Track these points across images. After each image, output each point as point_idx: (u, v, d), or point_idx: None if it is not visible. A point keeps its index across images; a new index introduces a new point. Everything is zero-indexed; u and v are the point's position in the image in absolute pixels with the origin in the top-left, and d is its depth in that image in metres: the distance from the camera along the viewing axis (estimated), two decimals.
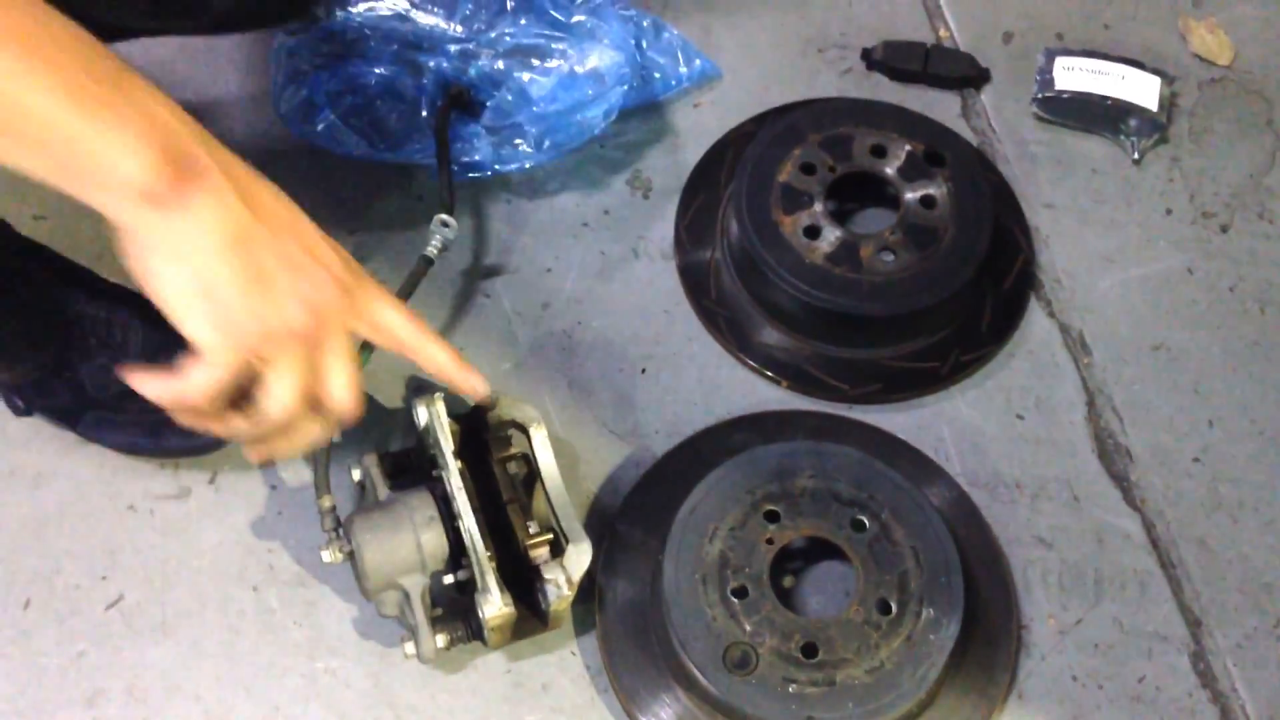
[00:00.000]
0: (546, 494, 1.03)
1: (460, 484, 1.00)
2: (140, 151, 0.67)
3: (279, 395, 0.78)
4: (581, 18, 1.33)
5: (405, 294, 1.14)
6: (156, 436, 1.11)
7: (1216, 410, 1.21)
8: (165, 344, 1.11)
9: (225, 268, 0.72)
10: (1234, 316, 1.26)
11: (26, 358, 1.09)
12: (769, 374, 1.21)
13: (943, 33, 1.43)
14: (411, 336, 0.87)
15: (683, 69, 1.37)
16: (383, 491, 1.05)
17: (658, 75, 1.36)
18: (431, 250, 1.17)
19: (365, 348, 1.09)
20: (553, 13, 1.34)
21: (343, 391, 0.81)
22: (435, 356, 0.89)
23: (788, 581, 1.10)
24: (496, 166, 1.26)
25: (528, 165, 1.27)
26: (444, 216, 1.17)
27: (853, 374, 1.20)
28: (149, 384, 0.79)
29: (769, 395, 1.20)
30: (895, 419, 1.19)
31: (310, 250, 0.78)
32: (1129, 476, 1.18)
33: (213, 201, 0.71)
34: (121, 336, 1.10)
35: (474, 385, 0.93)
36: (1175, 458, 1.19)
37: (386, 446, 1.12)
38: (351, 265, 0.82)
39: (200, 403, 0.78)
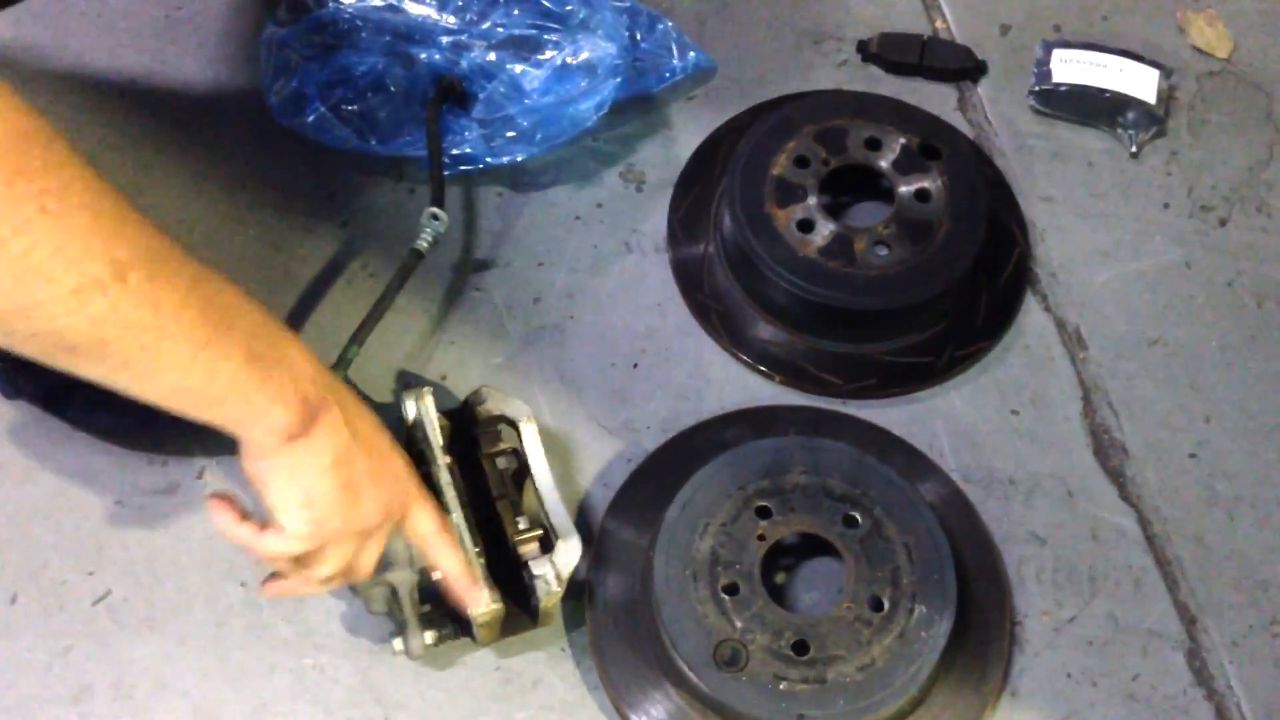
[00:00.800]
0: (536, 490, 1.03)
1: (449, 479, 1.00)
2: (289, 401, 0.80)
3: (328, 568, 0.91)
4: (574, 9, 1.32)
5: (396, 287, 1.13)
6: (148, 420, 1.10)
7: (1213, 406, 1.20)
8: None
9: (329, 482, 0.85)
10: (1231, 311, 1.25)
11: None
12: (762, 369, 1.20)
13: (939, 24, 1.41)
14: (435, 540, 0.96)
15: (676, 61, 1.36)
16: None
17: (651, 67, 1.35)
18: (422, 244, 1.16)
19: (340, 363, 1.08)
20: (545, 4, 1.32)
21: (368, 570, 0.95)
22: (449, 564, 0.97)
23: (779, 578, 1.09)
24: (488, 159, 1.25)
25: (520, 158, 1.25)
26: (435, 210, 1.16)
27: (846, 369, 1.19)
28: (229, 526, 0.89)
29: (762, 390, 1.19)
30: (889, 414, 1.18)
31: (385, 460, 0.91)
32: (1125, 472, 1.17)
33: (329, 431, 0.84)
34: None
35: (474, 599, 0.98)
36: (1171, 453, 1.18)
37: None
38: (411, 472, 0.94)
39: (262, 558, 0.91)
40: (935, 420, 1.18)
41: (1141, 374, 1.22)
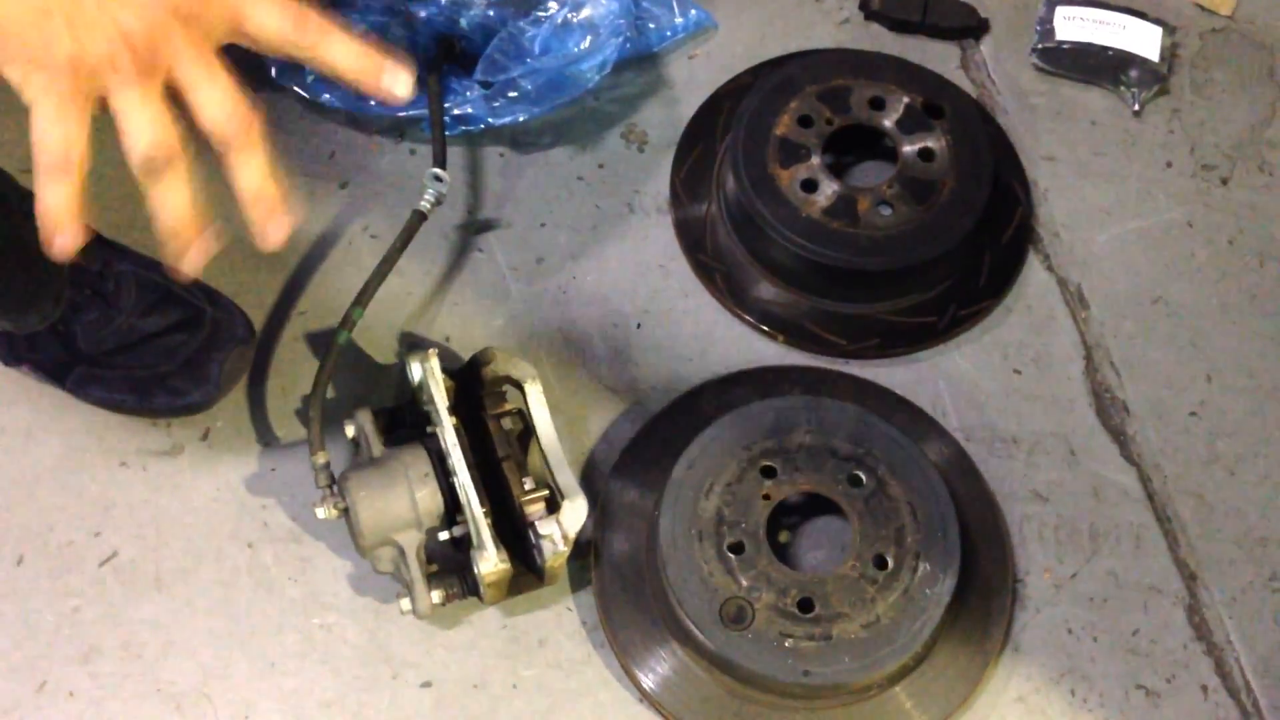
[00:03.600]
0: (542, 450, 1.03)
1: (455, 440, 1.00)
2: None
3: (134, 132, 0.69)
4: None
5: (399, 249, 1.13)
6: (144, 395, 1.10)
7: (1214, 364, 1.21)
8: (159, 301, 1.10)
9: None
10: (1233, 270, 1.25)
11: (36, 308, 1.07)
12: (765, 329, 1.20)
13: None
14: (295, 32, 0.72)
15: (678, 19, 1.35)
16: (377, 448, 1.04)
17: (652, 26, 1.34)
18: (425, 205, 1.15)
19: (344, 326, 1.08)
20: None
21: (217, 107, 0.71)
22: (336, 52, 0.73)
23: (784, 537, 1.10)
24: (490, 120, 1.25)
25: (521, 118, 1.25)
26: (437, 171, 1.16)
27: (850, 329, 1.19)
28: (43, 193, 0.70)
29: (765, 350, 1.20)
30: (892, 374, 1.19)
31: None
32: (1126, 431, 1.18)
33: None
34: (114, 289, 1.09)
35: (394, 82, 0.75)
36: (1172, 412, 1.19)
37: (381, 403, 1.11)
38: None
39: (70, 161, 0.69)
40: (938, 379, 1.19)
41: (1143, 333, 1.22)
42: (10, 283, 1.01)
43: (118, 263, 1.10)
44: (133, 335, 1.09)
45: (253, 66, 1.17)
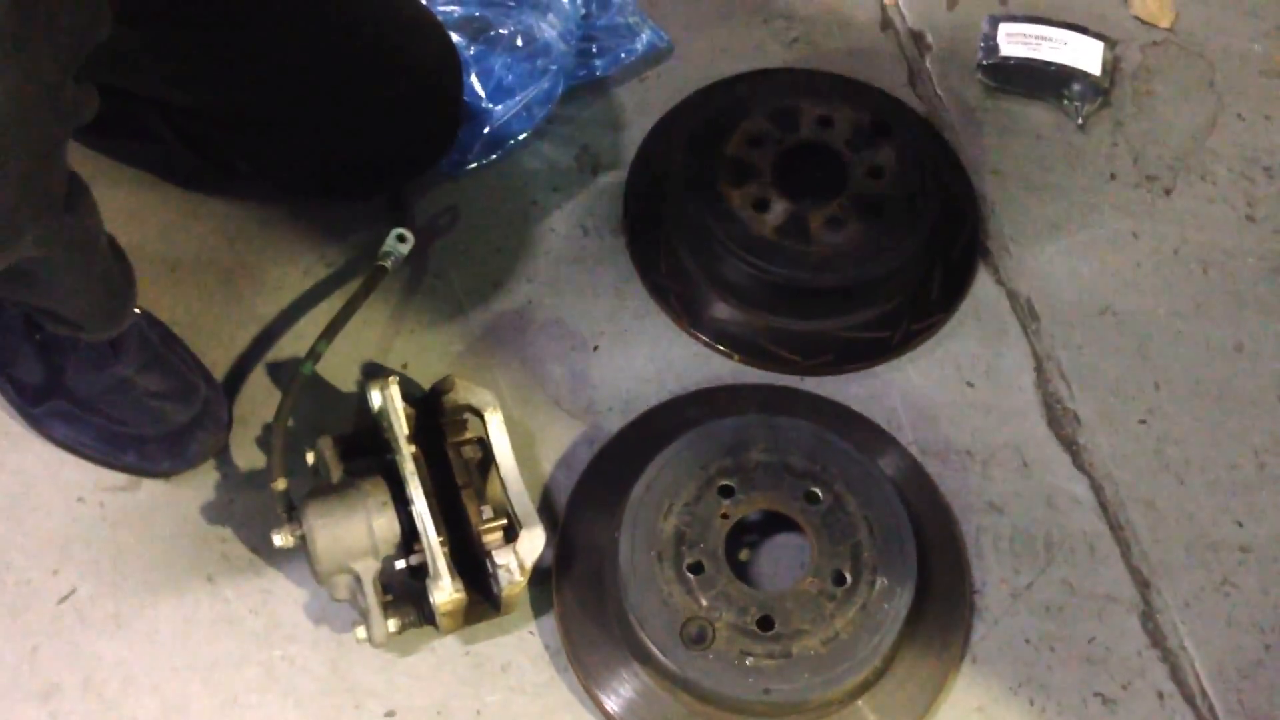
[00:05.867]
0: (501, 480, 1.03)
1: (413, 469, 1.00)
2: None
3: None
4: None
5: (362, 296, 1.14)
6: (113, 449, 1.10)
7: (1162, 372, 1.23)
8: (156, 363, 1.10)
9: None
10: (1178, 279, 1.28)
11: (114, 315, 1.06)
12: (721, 348, 1.21)
13: (889, 1, 1.42)
14: None
15: (630, 42, 1.36)
16: (336, 474, 1.04)
17: (605, 48, 1.35)
18: (388, 263, 1.16)
19: (308, 358, 1.08)
20: None
21: None
22: None
23: (743, 555, 1.10)
24: (445, 170, 1.27)
25: (471, 166, 1.27)
26: (402, 231, 1.17)
27: (804, 346, 1.21)
28: None
29: (722, 369, 1.21)
30: (847, 389, 1.20)
31: None
32: (1077, 440, 1.19)
33: None
34: (120, 337, 1.08)
35: None
36: (1122, 420, 1.21)
37: (341, 429, 1.11)
38: None
39: None
40: (893, 394, 1.20)
41: (1092, 343, 1.24)
42: (89, 283, 1.01)
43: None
44: (122, 388, 1.08)
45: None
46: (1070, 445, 1.19)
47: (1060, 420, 1.20)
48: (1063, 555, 1.14)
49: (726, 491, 1.07)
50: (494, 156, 1.29)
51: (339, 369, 1.18)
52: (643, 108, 1.35)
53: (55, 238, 0.90)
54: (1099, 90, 1.35)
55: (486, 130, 1.27)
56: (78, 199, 0.93)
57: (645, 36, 1.36)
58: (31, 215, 0.81)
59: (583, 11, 1.35)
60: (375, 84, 1.12)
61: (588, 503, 1.11)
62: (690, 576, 1.03)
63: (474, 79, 1.27)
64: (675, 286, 1.23)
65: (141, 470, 1.12)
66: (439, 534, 0.99)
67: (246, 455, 1.14)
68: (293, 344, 1.19)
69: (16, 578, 1.09)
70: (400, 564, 1.02)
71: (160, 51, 1.03)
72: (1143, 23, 1.42)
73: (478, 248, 1.25)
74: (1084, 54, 1.35)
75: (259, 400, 1.16)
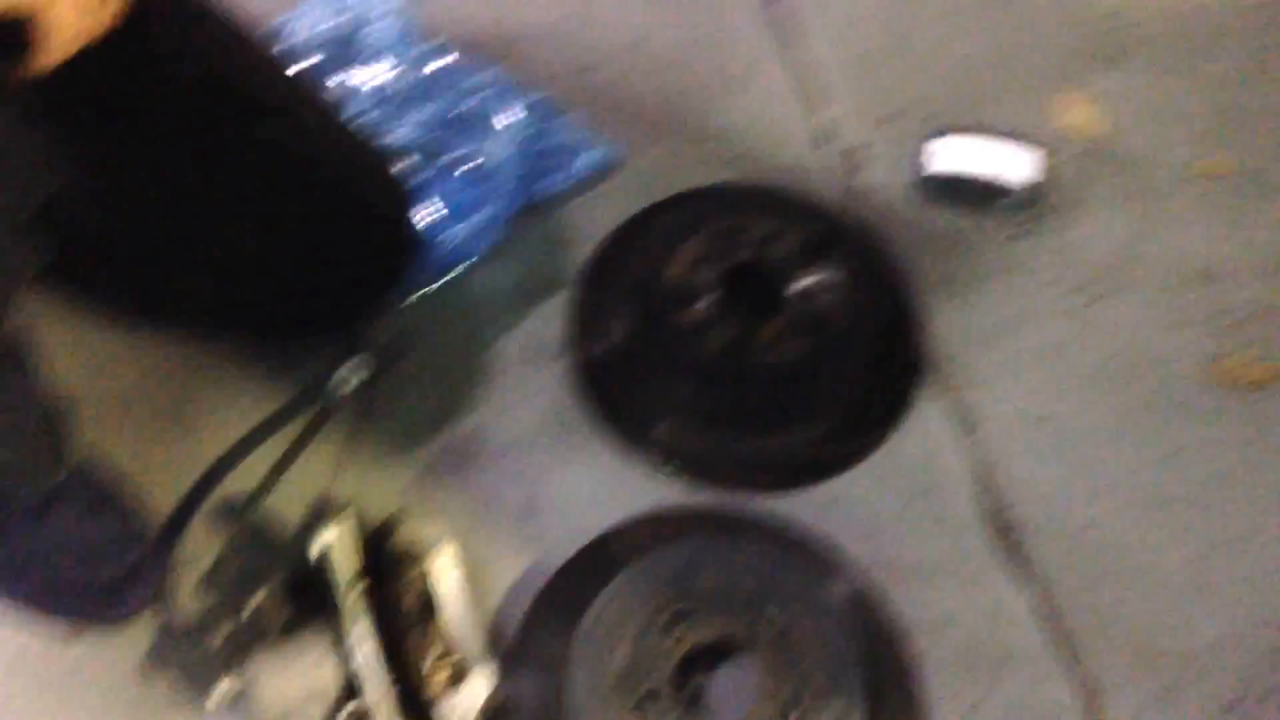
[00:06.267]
0: (445, 625, 1.04)
1: (356, 616, 1.00)
2: None
3: None
4: (473, 106, 1.35)
5: (305, 442, 1.15)
6: (54, 601, 1.10)
7: (1101, 478, 1.25)
8: (91, 510, 1.09)
9: None
10: (1111, 386, 1.31)
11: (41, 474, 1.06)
12: (667, 469, 1.22)
13: (826, 116, 1.46)
14: None
15: (573, 162, 1.39)
16: (277, 623, 1.04)
17: (550, 169, 1.38)
18: (335, 399, 1.18)
19: (247, 508, 1.09)
20: (444, 99, 1.36)
21: None
22: None
23: (699, 680, 1.11)
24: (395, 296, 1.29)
25: (423, 291, 1.29)
26: (353, 363, 1.20)
27: (750, 464, 1.22)
28: None
29: (668, 491, 1.22)
30: (794, 506, 1.21)
31: None
32: (1021, 551, 1.21)
33: None
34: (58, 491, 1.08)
35: None
36: (1064, 528, 1.22)
37: (288, 566, 1.11)
38: None
39: None
40: (838, 511, 1.22)
41: (1032, 451, 1.26)
42: (18, 441, 1.01)
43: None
44: (59, 540, 1.08)
45: None
46: (1015, 555, 1.21)
47: (1004, 531, 1.22)
48: (1010, 670, 1.15)
49: (677, 619, 1.08)
50: (445, 280, 1.30)
51: (286, 504, 1.17)
52: (588, 226, 1.37)
53: None
54: (1031, 201, 1.38)
55: (437, 255, 1.29)
56: (18, 358, 0.93)
57: (588, 156, 1.39)
58: None
59: (529, 133, 1.38)
60: (319, 218, 1.14)
61: (538, 634, 1.12)
62: (643, 708, 1.03)
63: (425, 206, 1.29)
64: (621, 408, 1.25)
65: (78, 623, 1.11)
66: (386, 680, 0.99)
67: (190, 598, 1.13)
68: (241, 479, 1.19)
69: None
70: (345, 712, 1.01)
71: (106, 199, 1.04)
72: (1072, 133, 1.46)
73: (426, 374, 1.26)
74: (1015, 166, 1.39)
75: (204, 541, 1.16)
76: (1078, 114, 1.47)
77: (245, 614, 1.06)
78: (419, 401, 1.25)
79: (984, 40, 1.55)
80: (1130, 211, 1.42)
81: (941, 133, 1.41)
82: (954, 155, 1.39)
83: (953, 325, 1.33)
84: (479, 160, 1.34)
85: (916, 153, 1.40)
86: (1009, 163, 1.39)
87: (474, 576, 1.15)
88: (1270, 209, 1.43)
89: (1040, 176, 1.40)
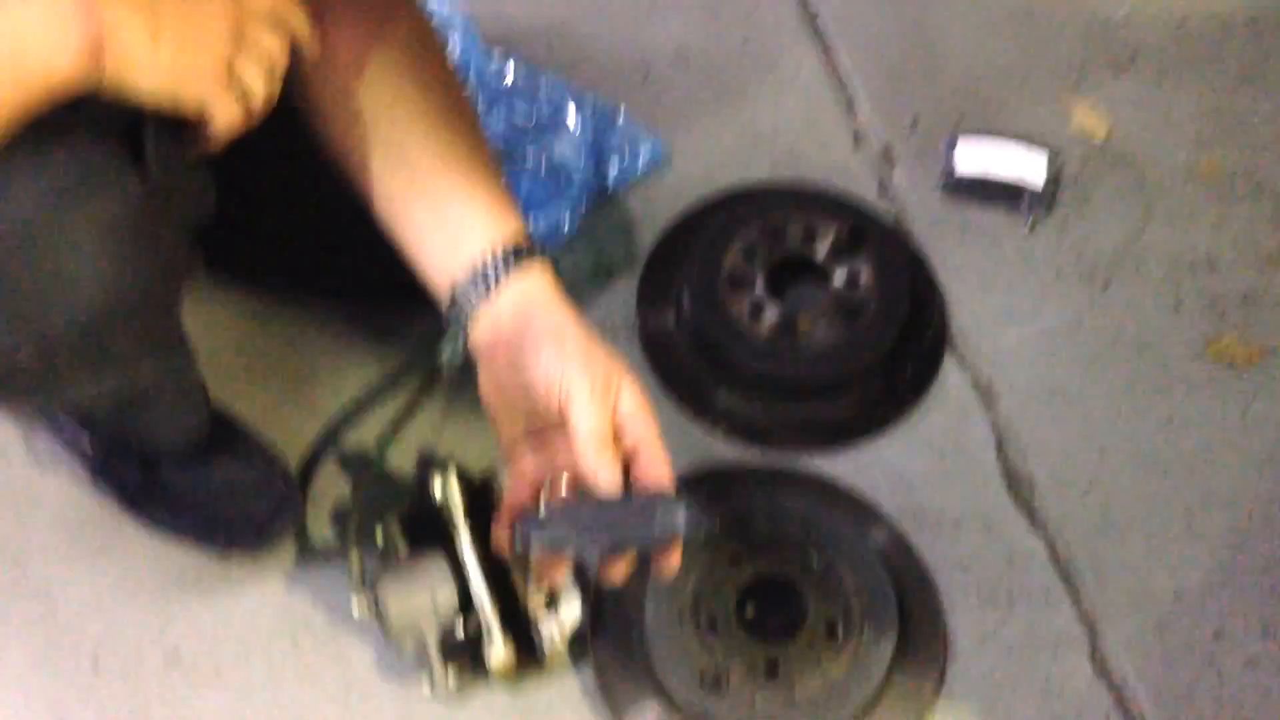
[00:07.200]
0: None
1: (470, 549, 1.18)
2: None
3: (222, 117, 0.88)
4: (543, 108, 1.52)
5: (419, 401, 1.34)
6: (205, 536, 1.28)
7: (1105, 444, 1.42)
8: (239, 459, 1.28)
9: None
10: (1117, 362, 1.47)
11: (191, 429, 1.24)
12: (724, 432, 1.40)
13: (860, 120, 1.63)
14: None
15: (635, 158, 1.55)
16: (403, 550, 1.23)
17: (614, 164, 1.55)
18: (443, 364, 1.35)
19: (378, 452, 1.27)
20: (519, 106, 1.52)
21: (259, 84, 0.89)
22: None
23: (750, 612, 1.28)
24: None
25: None
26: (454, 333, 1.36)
27: (797, 428, 1.40)
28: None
29: (725, 451, 1.39)
30: (836, 465, 1.38)
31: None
32: (1033, 504, 1.38)
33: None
34: (207, 445, 1.26)
35: None
36: (1072, 486, 1.39)
37: (403, 505, 1.28)
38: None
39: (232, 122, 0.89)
40: (874, 468, 1.39)
41: (1045, 420, 1.43)
42: (181, 413, 1.19)
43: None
44: (211, 485, 1.27)
45: None
46: (1027, 509, 1.38)
47: (1018, 487, 1.39)
48: (1022, 604, 1.32)
49: (736, 559, 1.26)
50: None
51: (397, 454, 1.36)
52: (648, 217, 1.54)
53: (163, 368, 1.09)
54: (1045, 198, 1.55)
55: None
56: (183, 337, 1.12)
57: (647, 153, 1.56)
58: (148, 354, 1.00)
59: (593, 133, 1.55)
60: None
61: None
62: (706, 632, 1.22)
63: None
64: (683, 378, 1.43)
65: (230, 550, 1.30)
66: (492, 604, 1.18)
67: (320, 533, 1.32)
68: (356, 436, 1.37)
69: (129, 643, 1.26)
70: (459, 628, 1.20)
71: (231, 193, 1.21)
72: (1081, 135, 1.63)
73: None
74: (1030, 166, 1.56)
75: (329, 485, 1.35)
76: (1088, 118, 1.64)
77: (374, 544, 1.24)
78: None
79: (1005, 50, 1.71)
80: (1135, 207, 1.58)
81: (966, 134, 1.58)
82: (977, 157, 1.56)
83: (976, 307, 1.50)
84: (555, 160, 1.51)
85: (944, 154, 1.57)
86: (1027, 164, 1.56)
87: None
88: (1263, 206, 1.59)
89: (1053, 176, 1.56)
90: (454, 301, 1.02)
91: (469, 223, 1.01)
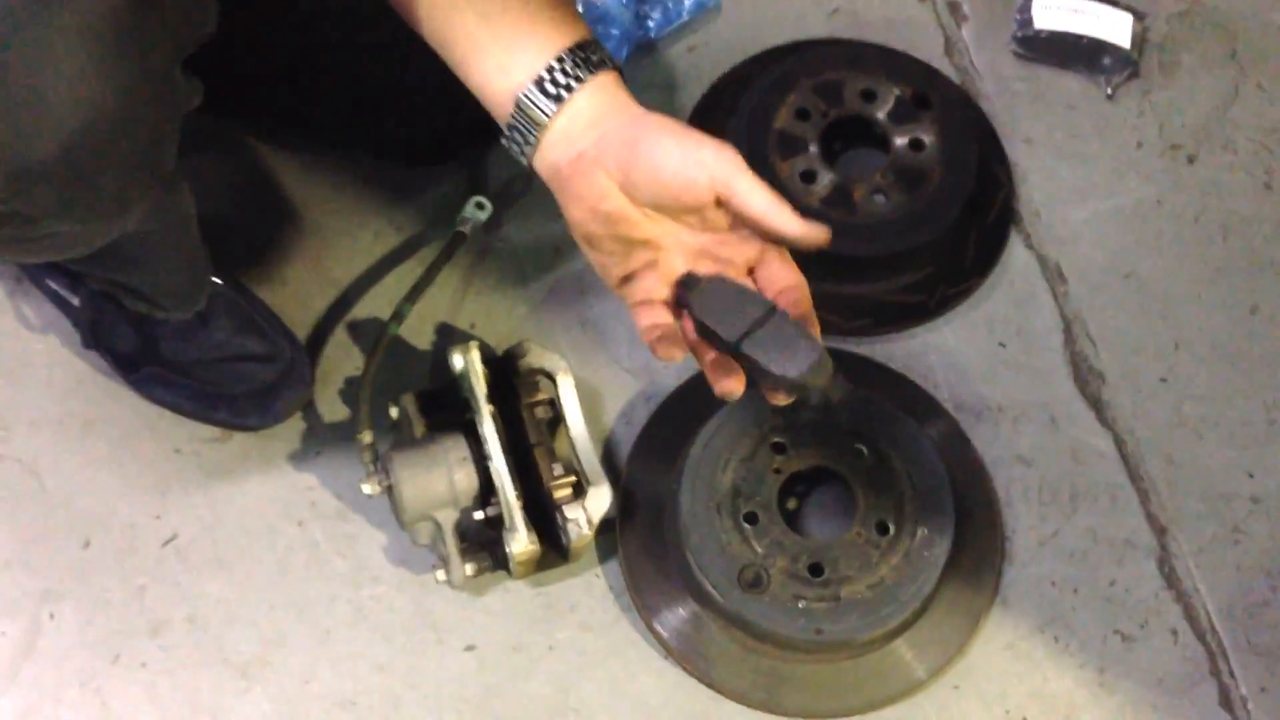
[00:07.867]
0: (570, 440, 1.12)
1: (492, 429, 1.09)
2: None
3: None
4: None
5: (440, 265, 1.22)
6: (206, 407, 1.19)
7: (1182, 334, 1.31)
8: (244, 328, 1.18)
9: None
10: (1199, 244, 1.35)
11: (190, 297, 1.15)
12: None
13: None
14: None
15: (680, 4, 1.42)
16: (419, 430, 1.13)
17: (657, 10, 1.42)
18: (466, 229, 1.24)
19: (394, 320, 1.17)
20: None
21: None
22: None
23: (792, 504, 1.19)
24: None
25: None
26: (480, 199, 1.24)
27: (848, 309, 1.29)
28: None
29: None
30: (889, 350, 1.28)
31: None
32: (1102, 397, 1.28)
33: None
34: (209, 307, 1.16)
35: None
36: (1144, 379, 1.29)
37: (417, 385, 1.19)
38: None
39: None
40: (930, 355, 1.28)
41: (1116, 305, 1.32)
42: (178, 262, 1.10)
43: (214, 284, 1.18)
44: (213, 353, 1.17)
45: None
46: (1095, 402, 1.28)
47: (1086, 379, 1.29)
48: (1086, 505, 1.23)
49: (779, 448, 1.16)
50: None
51: (412, 329, 1.25)
52: (694, 72, 1.41)
53: (158, 215, 0.98)
54: (1128, 62, 1.41)
55: None
56: (179, 180, 1.00)
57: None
58: (139, 194, 0.89)
59: None
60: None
61: (648, 456, 1.20)
62: (746, 526, 1.12)
63: None
64: None
65: (233, 425, 1.20)
66: (515, 489, 1.08)
67: (329, 410, 1.23)
68: (369, 306, 1.27)
69: (123, 523, 1.18)
70: (478, 514, 1.11)
71: (256, 41, 1.10)
72: None
73: (538, 214, 1.33)
74: (1114, 26, 1.41)
75: (339, 359, 1.25)
76: None
77: (387, 422, 1.15)
78: (535, 238, 1.32)
79: None
80: (1222, 76, 1.44)
81: None
82: (1056, 13, 1.41)
83: (1046, 181, 1.38)
84: (595, 3, 1.38)
85: (1020, 9, 1.43)
86: (1108, 22, 1.42)
87: (588, 402, 1.23)
88: None
89: (1138, 38, 1.42)
90: (518, 115, 0.89)
91: (531, 27, 0.88)
